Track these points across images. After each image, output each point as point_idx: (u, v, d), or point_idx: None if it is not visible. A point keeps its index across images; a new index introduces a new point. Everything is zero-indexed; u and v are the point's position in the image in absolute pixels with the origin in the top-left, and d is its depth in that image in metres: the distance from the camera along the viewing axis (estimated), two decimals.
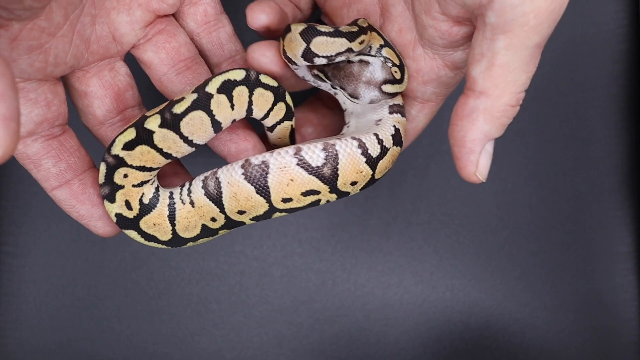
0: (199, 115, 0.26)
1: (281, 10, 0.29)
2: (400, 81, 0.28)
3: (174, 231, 0.28)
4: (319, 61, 0.27)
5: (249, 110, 0.28)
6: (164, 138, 0.26)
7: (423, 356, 0.41)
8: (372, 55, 0.28)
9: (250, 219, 0.27)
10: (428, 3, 0.26)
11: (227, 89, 0.27)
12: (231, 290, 0.41)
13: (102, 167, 0.27)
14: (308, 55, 0.27)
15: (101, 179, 0.27)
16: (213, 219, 0.28)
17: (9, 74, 0.18)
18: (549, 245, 0.41)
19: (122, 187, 0.27)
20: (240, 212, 0.27)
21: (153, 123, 0.26)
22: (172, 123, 0.26)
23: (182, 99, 0.26)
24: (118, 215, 0.28)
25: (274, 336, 0.41)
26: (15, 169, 0.41)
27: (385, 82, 0.28)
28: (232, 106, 0.27)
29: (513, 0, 0.23)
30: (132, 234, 0.28)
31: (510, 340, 0.41)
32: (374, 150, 0.27)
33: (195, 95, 0.26)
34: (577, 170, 0.42)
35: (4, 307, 0.41)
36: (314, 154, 0.26)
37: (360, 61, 0.28)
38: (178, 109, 0.26)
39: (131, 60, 0.41)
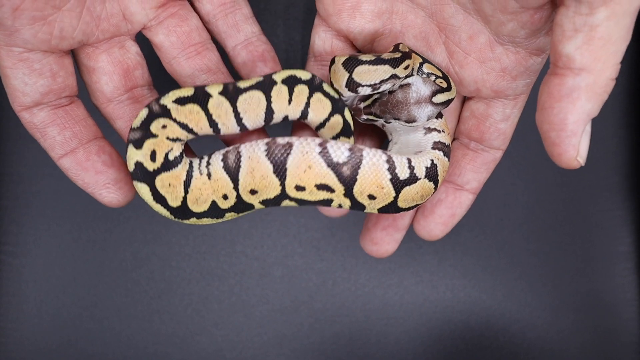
0: (257, 96, 0.27)
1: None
2: (448, 89, 0.28)
3: (184, 199, 0.28)
4: (363, 90, 0.27)
5: (305, 112, 0.29)
6: (219, 105, 0.27)
7: (423, 356, 0.41)
8: (409, 76, 0.28)
9: (260, 202, 0.27)
10: (502, 2, 0.25)
11: (290, 82, 0.28)
12: (232, 290, 0.41)
13: (143, 112, 0.27)
14: (352, 85, 0.27)
15: (136, 123, 0.27)
16: (225, 197, 0.27)
17: None
18: (549, 246, 0.41)
19: (155, 136, 0.27)
20: (252, 192, 0.27)
21: (214, 89, 0.27)
22: (232, 94, 0.27)
23: (249, 79, 0.28)
24: (138, 164, 0.27)
25: (274, 336, 0.41)
26: (15, 169, 0.41)
27: (434, 93, 0.27)
28: (290, 101, 0.28)
29: None
30: (144, 189, 0.27)
31: (510, 340, 0.41)
32: (402, 172, 0.26)
33: (260, 79, 0.28)
34: (577, 170, 0.42)
35: (4, 307, 0.41)
36: (339, 149, 0.26)
37: (401, 86, 0.28)
38: (242, 84, 0.27)
39: (144, 43, 0.41)
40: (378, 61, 0.27)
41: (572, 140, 0.24)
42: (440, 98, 0.27)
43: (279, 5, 0.41)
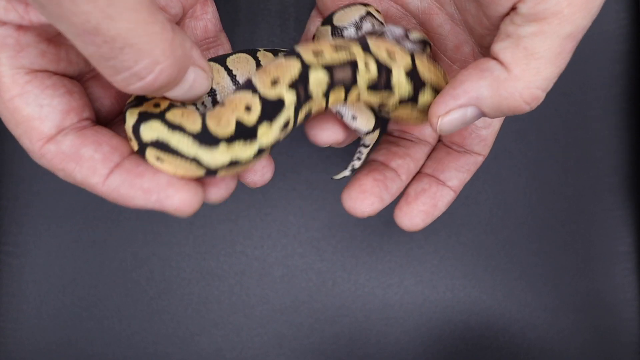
0: (245, 56, 0.28)
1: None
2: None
3: (204, 122, 0.23)
4: (348, 33, 0.29)
5: None
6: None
7: (423, 356, 0.41)
8: (382, 24, 0.30)
9: (288, 85, 0.24)
10: (479, 17, 0.26)
11: (273, 52, 0.29)
12: (232, 290, 0.41)
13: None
14: (337, 33, 0.29)
15: (131, 99, 0.25)
16: (247, 108, 0.24)
17: None
18: (549, 245, 0.41)
19: (153, 99, 0.25)
20: (274, 82, 0.24)
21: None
22: (219, 60, 0.28)
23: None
24: (141, 114, 0.24)
25: (274, 336, 0.41)
26: (15, 169, 0.41)
27: (409, 31, 0.29)
28: None
29: None
30: (155, 124, 0.23)
31: (510, 340, 0.41)
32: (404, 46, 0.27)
33: (242, 50, 0.29)
34: (577, 170, 0.42)
35: (4, 307, 0.41)
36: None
37: (377, 37, 0.29)
38: (226, 55, 0.28)
39: None
40: (349, 5, 0.29)
41: (448, 101, 0.24)
42: (416, 36, 0.28)
43: (279, 5, 0.41)
